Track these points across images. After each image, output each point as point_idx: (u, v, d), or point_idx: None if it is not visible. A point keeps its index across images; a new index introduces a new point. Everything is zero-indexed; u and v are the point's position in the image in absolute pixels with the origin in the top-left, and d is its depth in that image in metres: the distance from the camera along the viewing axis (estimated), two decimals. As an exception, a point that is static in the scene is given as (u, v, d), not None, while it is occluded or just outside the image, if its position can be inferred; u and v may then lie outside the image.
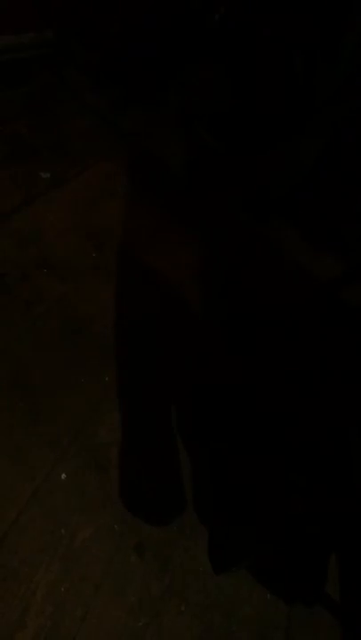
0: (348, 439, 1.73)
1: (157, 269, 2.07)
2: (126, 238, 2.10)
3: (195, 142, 2.97)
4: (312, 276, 2.60)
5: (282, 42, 2.95)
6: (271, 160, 3.13)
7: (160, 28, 2.79)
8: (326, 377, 2.11)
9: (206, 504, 1.52)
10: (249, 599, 1.41)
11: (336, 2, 2.72)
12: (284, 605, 1.44)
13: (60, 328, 1.66)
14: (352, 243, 2.89)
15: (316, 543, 1.51)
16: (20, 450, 1.34)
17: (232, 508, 1.56)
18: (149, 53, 2.81)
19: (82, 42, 2.79)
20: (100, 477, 1.40)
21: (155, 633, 1.24)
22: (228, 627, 1.33)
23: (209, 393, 1.83)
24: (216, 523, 1.49)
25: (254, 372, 1.97)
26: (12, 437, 1.35)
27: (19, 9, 2.33)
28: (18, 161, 2.05)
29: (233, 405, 1.82)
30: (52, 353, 1.58)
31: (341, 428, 1.83)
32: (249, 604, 1.40)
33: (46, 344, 1.59)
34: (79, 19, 2.75)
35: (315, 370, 2.13)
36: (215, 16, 2.97)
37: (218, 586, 1.39)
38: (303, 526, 1.49)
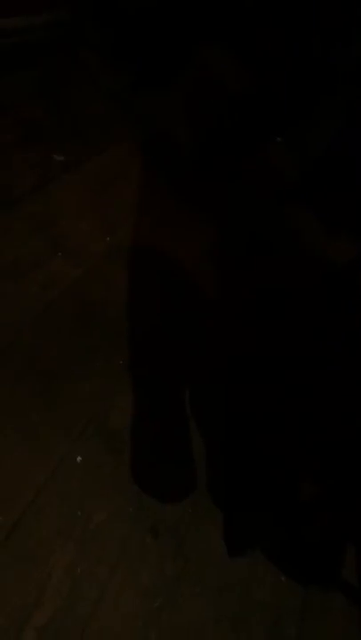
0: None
1: (171, 253, 2.06)
2: (140, 222, 2.09)
3: (208, 124, 2.94)
4: (327, 260, 2.58)
5: (299, 24, 2.90)
6: (286, 143, 3.10)
7: (175, 9, 2.75)
8: (342, 361, 2.10)
9: (221, 487, 1.52)
10: (263, 582, 1.42)
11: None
12: (298, 588, 1.44)
13: (75, 312, 1.66)
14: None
15: (332, 526, 1.51)
16: (35, 433, 1.34)
17: (247, 491, 1.56)
18: (164, 35, 2.78)
19: (96, 24, 2.76)
20: (114, 460, 1.41)
21: (169, 614, 1.24)
22: (242, 609, 1.34)
23: (225, 374, 1.83)
24: (231, 506, 1.50)
25: (269, 357, 1.97)
26: (27, 421, 1.35)
27: (32, -10, 2.32)
28: (31, 144, 2.03)
29: (248, 387, 1.82)
30: (66, 337, 1.58)
31: (356, 412, 1.82)
32: (263, 586, 1.41)
33: (61, 328, 1.59)
34: (93, 0, 2.72)
35: (330, 354, 2.12)
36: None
37: (232, 568, 1.39)
38: (319, 510, 1.49)
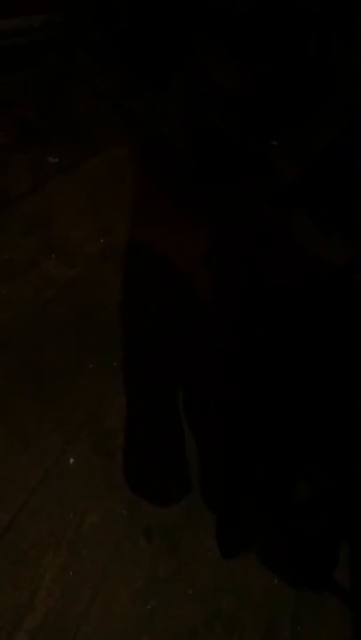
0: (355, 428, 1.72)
1: (166, 255, 2.06)
2: (135, 224, 2.09)
3: (204, 126, 2.94)
4: (323, 262, 2.58)
5: (297, 24, 2.90)
6: (283, 145, 3.11)
7: (172, 10, 2.76)
8: (339, 361, 2.10)
9: (215, 490, 1.52)
10: (257, 584, 1.42)
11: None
12: (291, 590, 1.45)
13: (69, 313, 1.66)
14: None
15: (326, 530, 1.51)
16: (29, 434, 1.34)
17: (241, 493, 1.56)
18: (160, 37, 2.78)
19: (92, 25, 2.76)
20: (108, 462, 1.40)
21: (162, 616, 1.24)
22: (235, 611, 1.34)
23: (219, 379, 1.83)
24: (225, 508, 1.50)
25: (265, 358, 1.97)
26: (21, 422, 1.35)
27: (28, -9, 2.31)
28: (26, 146, 2.03)
29: (247, 388, 1.82)
30: (60, 338, 1.58)
31: (353, 414, 1.82)
32: (257, 588, 1.41)
33: (55, 329, 1.59)
34: (90, 1, 2.72)
35: (326, 355, 2.12)
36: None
37: (226, 570, 1.39)
38: (313, 513, 1.49)
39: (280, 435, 1.74)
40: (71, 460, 1.35)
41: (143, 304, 1.86)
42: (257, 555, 1.46)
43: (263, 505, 1.54)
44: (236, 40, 3.17)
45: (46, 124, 2.19)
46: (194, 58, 3.10)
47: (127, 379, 1.61)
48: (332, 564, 1.51)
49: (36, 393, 1.43)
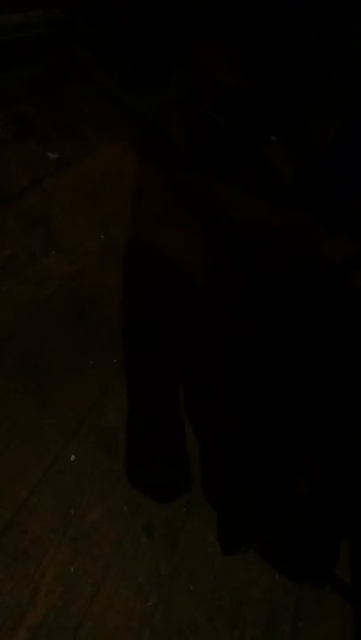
0: (354, 424, 1.72)
1: (166, 250, 2.06)
2: (135, 219, 2.08)
3: (203, 121, 2.93)
4: (322, 259, 2.58)
5: (294, 18, 2.89)
6: (282, 141, 3.10)
7: (169, 5, 2.74)
8: (336, 357, 2.10)
9: (215, 486, 1.52)
10: (258, 580, 1.42)
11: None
12: (292, 586, 1.45)
13: (69, 310, 1.65)
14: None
15: (326, 526, 1.51)
16: (29, 431, 1.34)
17: (242, 490, 1.56)
18: (159, 31, 2.77)
19: (90, 20, 2.75)
20: (109, 459, 1.40)
21: (164, 612, 1.24)
22: (236, 607, 1.34)
23: (219, 373, 1.83)
24: (225, 505, 1.50)
25: (264, 353, 1.97)
26: (21, 419, 1.35)
27: (26, -14, 2.30)
28: (25, 142, 2.03)
29: (242, 385, 1.82)
30: (60, 335, 1.58)
31: (349, 412, 1.82)
32: (258, 584, 1.41)
33: (55, 326, 1.59)
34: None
35: (324, 349, 2.12)
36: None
37: (226, 566, 1.39)
38: (313, 509, 1.49)
39: (280, 430, 1.74)
40: (72, 457, 1.35)
41: (143, 300, 1.86)
42: (258, 551, 1.46)
43: (263, 501, 1.54)
44: (234, 35, 3.16)
45: (45, 119, 2.18)
46: (193, 53, 3.09)
47: (128, 375, 1.61)
48: (332, 559, 1.51)
49: (36, 390, 1.42)
